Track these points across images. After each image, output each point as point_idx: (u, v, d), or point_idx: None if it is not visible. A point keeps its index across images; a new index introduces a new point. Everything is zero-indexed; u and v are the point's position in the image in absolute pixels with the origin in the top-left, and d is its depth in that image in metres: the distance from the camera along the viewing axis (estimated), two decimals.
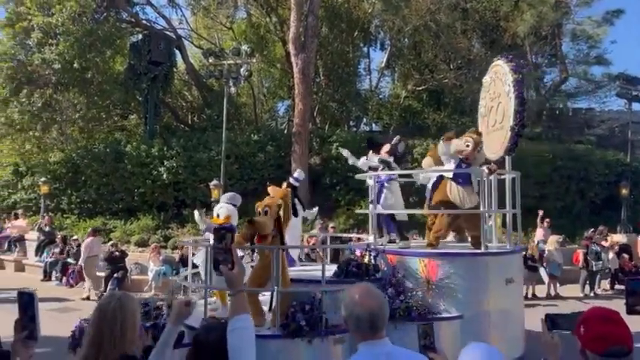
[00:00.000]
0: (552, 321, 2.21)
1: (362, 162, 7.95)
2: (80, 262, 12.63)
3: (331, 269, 6.70)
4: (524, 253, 12.91)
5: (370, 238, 7.71)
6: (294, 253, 8.18)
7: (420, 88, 23.62)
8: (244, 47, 17.39)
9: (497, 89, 7.77)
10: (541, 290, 12.58)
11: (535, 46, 23.74)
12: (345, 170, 17.67)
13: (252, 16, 24.60)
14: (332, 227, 13.04)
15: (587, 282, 12.96)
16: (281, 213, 6.11)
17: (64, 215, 17.93)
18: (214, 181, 15.73)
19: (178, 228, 16.18)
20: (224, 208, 6.66)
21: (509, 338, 6.56)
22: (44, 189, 17.11)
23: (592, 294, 12.83)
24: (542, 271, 12.68)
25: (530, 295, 12.38)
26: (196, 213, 7.33)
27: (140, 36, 21.36)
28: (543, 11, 20.63)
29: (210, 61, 17.72)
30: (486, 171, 6.87)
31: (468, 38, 23.18)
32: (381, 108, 24.49)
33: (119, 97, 20.43)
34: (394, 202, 7.63)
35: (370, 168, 7.81)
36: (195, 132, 20.63)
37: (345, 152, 8.41)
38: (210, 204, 16.23)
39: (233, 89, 18.84)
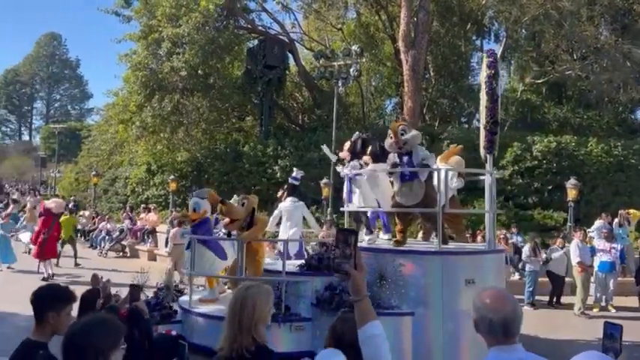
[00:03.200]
0: None
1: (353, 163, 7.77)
2: (167, 249, 13.73)
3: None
4: None
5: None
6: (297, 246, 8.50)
7: (540, 81, 22.19)
8: (354, 47, 17.57)
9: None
10: None
11: None
12: None
13: (361, 15, 24.76)
14: None
15: None
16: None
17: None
18: (324, 180, 16.15)
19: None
20: (200, 203, 7.41)
21: (471, 339, 6.33)
22: (172, 186, 18.76)
23: None
24: None
25: None
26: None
27: (256, 41, 22.49)
28: None
29: (321, 62, 18.14)
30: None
31: (594, 25, 21.28)
32: None
33: (237, 100, 21.68)
34: (364, 196, 7.55)
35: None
36: (306, 132, 21.28)
37: (325, 149, 8.41)
38: (320, 201, 16.72)
39: (342, 89, 19.13)
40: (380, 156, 7.48)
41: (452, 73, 23.14)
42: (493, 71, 7.06)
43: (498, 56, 25.04)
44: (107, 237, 17.77)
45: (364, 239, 7.43)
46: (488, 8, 22.47)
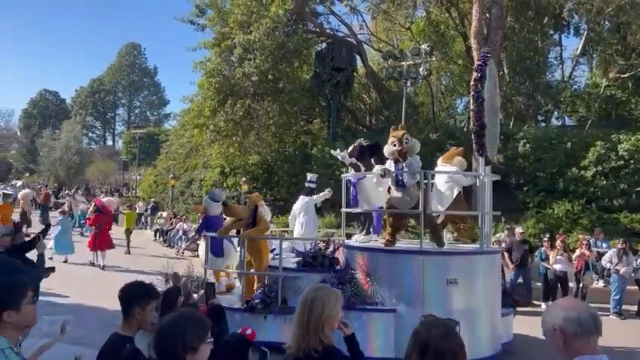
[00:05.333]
0: None
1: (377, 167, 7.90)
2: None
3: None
4: None
5: (355, 235, 8.35)
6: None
7: (625, 75, 20.72)
8: (424, 46, 17.24)
9: None
10: None
11: None
12: (533, 169, 16.37)
13: (431, 13, 24.26)
14: (520, 232, 12.19)
15: None
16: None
17: None
18: None
19: (358, 226, 16.78)
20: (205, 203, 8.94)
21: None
22: (244, 187, 19.32)
23: None
24: None
25: None
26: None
27: (324, 45, 22.64)
28: None
29: (390, 62, 17.95)
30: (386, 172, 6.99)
31: None
32: (576, 99, 22.11)
33: (305, 103, 21.95)
34: (366, 199, 7.94)
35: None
36: (374, 133, 21.11)
37: (338, 154, 8.80)
38: None
39: (411, 89, 18.82)
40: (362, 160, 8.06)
41: (527, 70, 22.11)
42: (480, 74, 7.19)
43: (578, 51, 23.63)
44: (183, 237, 18.57)
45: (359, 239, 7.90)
46: (567, 0, 21.29)
